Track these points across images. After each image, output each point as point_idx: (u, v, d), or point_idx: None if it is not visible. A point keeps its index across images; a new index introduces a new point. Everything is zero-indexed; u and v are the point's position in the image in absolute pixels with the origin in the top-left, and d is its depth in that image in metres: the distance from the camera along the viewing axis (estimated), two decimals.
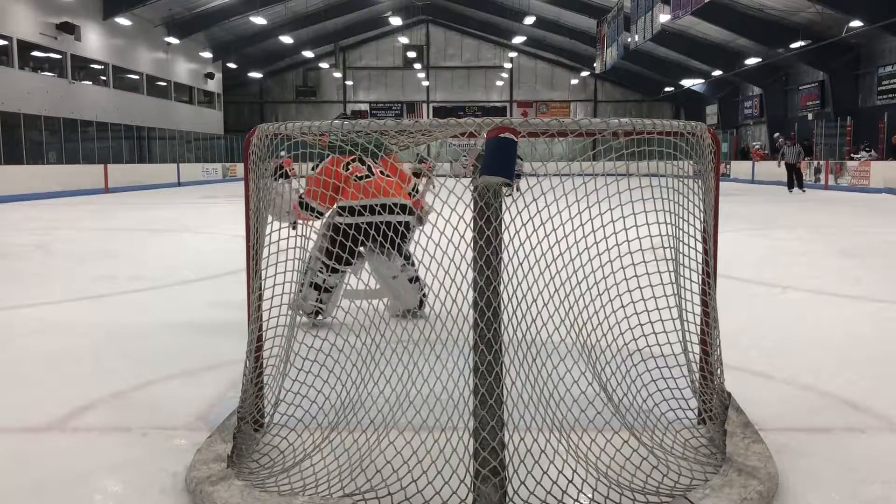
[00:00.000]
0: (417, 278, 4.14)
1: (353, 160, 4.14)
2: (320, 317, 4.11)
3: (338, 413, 2.40)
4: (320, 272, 4.06)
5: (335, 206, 4.05)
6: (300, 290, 3.87)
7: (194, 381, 3.26)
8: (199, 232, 6.96)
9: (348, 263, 3.87)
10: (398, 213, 4.01)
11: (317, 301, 4.05)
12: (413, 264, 4.17)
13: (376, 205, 4.00)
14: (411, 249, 4.25)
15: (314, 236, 4.06)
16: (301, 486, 2.07)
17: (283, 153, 2.34)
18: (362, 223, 3.34)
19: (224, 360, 3.53)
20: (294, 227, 4.21)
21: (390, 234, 3.71)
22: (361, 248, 4.03)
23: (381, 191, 4.02)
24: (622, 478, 2.09)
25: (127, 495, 2.18)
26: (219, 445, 2.30)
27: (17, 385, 3.27)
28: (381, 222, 3.72)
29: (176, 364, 3.49)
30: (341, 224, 3.79)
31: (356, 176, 4.09)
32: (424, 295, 4.08)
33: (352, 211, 3.83)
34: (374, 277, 4.13)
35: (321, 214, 4.11)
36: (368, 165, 4.13)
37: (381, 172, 4.19)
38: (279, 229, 2.47)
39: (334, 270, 4.02)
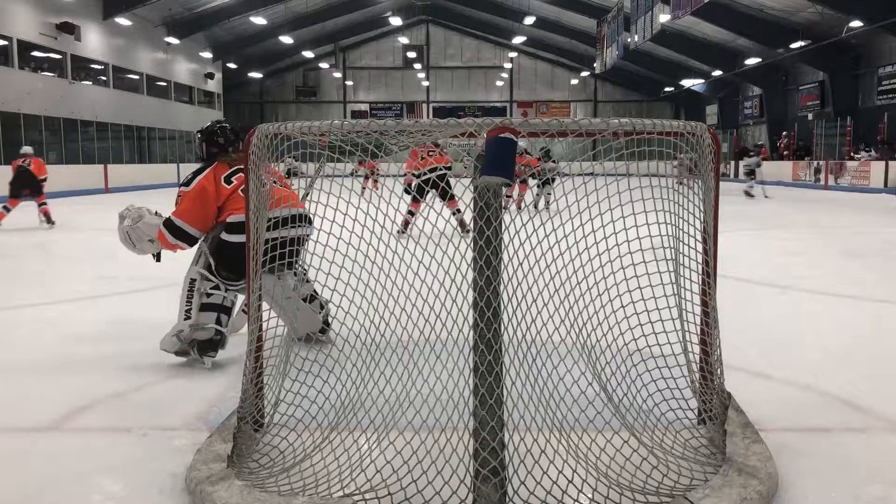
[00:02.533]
0: (314, 296, 3.59)
1: (237, 171, 3.57)
2: (214, 352, 3.47)
3: (338, 413, 2.40)
4: (214, 291, 3.50)
5: (224, 222, 3.51)
6: (186, 318, 3.44)
7: (194, 381, 3.26)
8: None
9: (242, 277, 3.22)
10: (300, 226, 3.27)
11: (217, 323, 3.48)
12: (307, 280, 3.55)
13: (274, 218, 3.13)
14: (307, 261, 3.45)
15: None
16: (301, 486, 2.07)
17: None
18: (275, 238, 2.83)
19: (224, 360, 3.53)
20: (158, 259, 3.86)
21: (286, 251, 2.85)
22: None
23: (277, 202, 3.30)
24: (622, 478, 2.09)
25: (127, 495, 2.18)
26: (219, 445, 2.30)
27: (17, 385, 3.27)
28: (273, 238, 2.81)
29: (176, 364, 3.49)
30: (229, 240, 3.35)
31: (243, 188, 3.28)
32: (327, 313, 3.59)
33: (241, 228, 3.07)
34: (266, 301, 3.03)
35: (195, 240, 3.56)
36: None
37: (275, 182, 3.44)
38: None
39: (228, 288, 3.51)
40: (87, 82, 25.24)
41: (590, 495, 2.05)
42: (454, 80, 42.14)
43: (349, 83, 42.13)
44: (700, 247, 2.41)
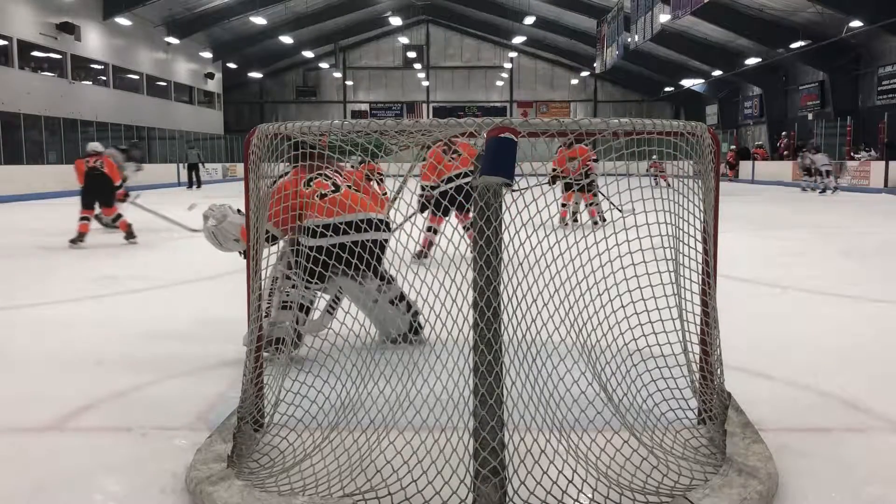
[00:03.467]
0: (402, 297, 3.57)
1: (316, 176, 3.58)
2: (296, 350, 3.39)
3: (338, 413, 2.40)
4: (293, 289, 3.47)
5: (304, 225, 3.50)
6: (266, 316, 3.33)
7: (194, 381, 3.26)
8: (198, 232, 6.96)
9: (322, 280, 3.21)
10: (374, 230, 3.41)
11: (293, 322, 3.44)
12: (390, 283, 3.56)
13: (345, 223, 3.39)
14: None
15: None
16: (301, 486, 2.07)
17: None
18: (332, 245, 2.98)
19: (224, 360, 3.53)
20: (245, 257, 3.88)
21: (365, 254, 3.08)
22: (332, 273, 3.35)
23: (347, 208, 3.42)
24: (622, 478, 2.09)
25: (127, 495, 2.18)
26: (219, 445, 2.30)
27: (17, 385, 3.27)
28: (352, 242, 3.04)
29: (176, 364, 3.49)
30: (305, 247, 3.28)
31: (320, 193, 3.48)
32: (416, 316, 3.53)
33: (316, 232, 3.32)
34: (354, 304, 3.36)
35: (275, 239, 3.51)
36: (334, 181, 3.56)
37: (349, 187, 3.59)
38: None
39: (307, 287, 3.42)
40: (87, 82, 25.26)
41: (590, 495, 2.05)
42: (454, 80, 42.14)
43: (349, 83, 42.13)
44: (700, 247, 2.41)
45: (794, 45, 24.64)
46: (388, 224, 3.59)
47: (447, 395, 2.12)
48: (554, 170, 8.52)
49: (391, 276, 3.56)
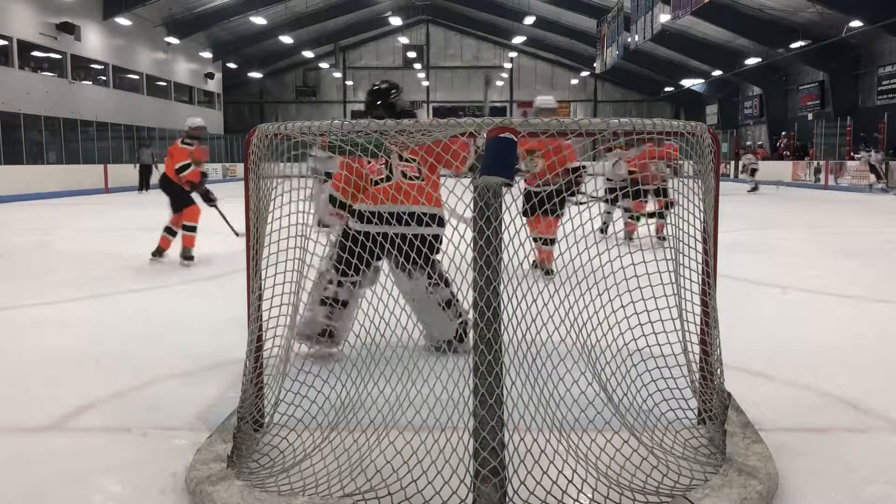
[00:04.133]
0: (452, 301, 3.42)
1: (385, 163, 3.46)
2: (332, 346, 3.37)
3: (338, 413, 2.40)
4: (329, 284, 3.43)
5: (354, 208, 3.46)
6: (308, 309, 3.35)
7: (194, 381, 3.26)
8: (198, 232, 6.95)
9: (357, 272, 3.11)
10: (423, 225, 3.27)
11: (326, 317, 3.39)
12: (447, 284, 3.44)
13: (388, 213, 3.29)
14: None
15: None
16: (301, 486, 2.07)
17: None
18: (377, 233, 2.96)
19: (224, 360, 3.53)
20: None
21: (411, 248, 2.95)
22: (378, 262, 3.32)
23: (391, 197, 3.33)
24: (622, 478, 2.09)
25: (127, 495, 2.18)
26: (219, 445, 2.30)
27: (17, 385, 3.27)
28: (399, 234, 3.02)
29: (176, 364, 3.49)
30: (351, 231, 3.23)
31: (374, 179, 3.42)
32: (464, 323, 3.43)
33: (363, 217, 3.33)
34: (403, 298, 3.06)
35: (343, 205, 3.51)
36: (390, 167, 3.44)
37: (406, 175, 3.44)
38: (283, 232, 2.46)
39: (341, 283, 3.36)
40: (87, 82, 25.26)
41: (590, 495, 2.05)
42: (454, 80, 42.14)
43: (349, 83, 42.13)
44: (700, 247, 2.41)
45: (794, 45, 24.65)
46: (440, 219, 3.41)
47: (447, 395, 2.11)
48: (632, 172, 6.81)
49: (448, 277, 3.41)
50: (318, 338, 3.38)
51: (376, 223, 3.28)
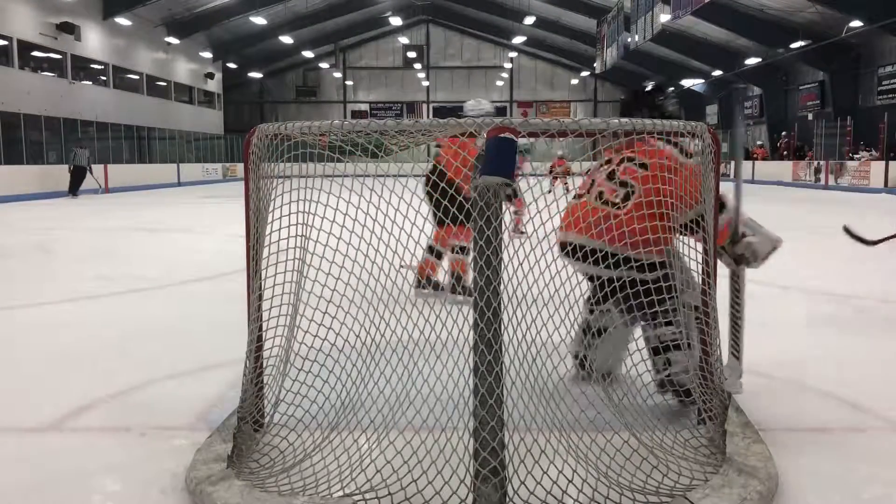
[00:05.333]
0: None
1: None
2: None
3: (338, 413, 2.40)
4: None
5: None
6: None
7: (194, 381, 3.26)
8: (198, 232, 6.96)
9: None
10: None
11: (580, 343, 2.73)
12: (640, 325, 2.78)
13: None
14: None
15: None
16: (301, 486, 2.07)
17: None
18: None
19: (224, 360, 3.53)
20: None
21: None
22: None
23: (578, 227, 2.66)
24: (622, 478, 2.09)
25: (127, 495, 2.18)
26: (219, 445, 2.30)
27: (17, 385, 3.27)
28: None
29: (176, 364, 3.49)
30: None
31: (576, 194, 2.85)
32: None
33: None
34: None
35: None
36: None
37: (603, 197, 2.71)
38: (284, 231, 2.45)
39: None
40: (88, 82, 25.25)
41: (590, 495, 2.04)
42: (454, 80, 42.15)
43: (349, 83, 42.15)
44: (700, 247, 2.41)
45: (794, 45, 24.65)
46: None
47: (447, 395, 2.11)
48: None
49: (662, 319, 2.62)
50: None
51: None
